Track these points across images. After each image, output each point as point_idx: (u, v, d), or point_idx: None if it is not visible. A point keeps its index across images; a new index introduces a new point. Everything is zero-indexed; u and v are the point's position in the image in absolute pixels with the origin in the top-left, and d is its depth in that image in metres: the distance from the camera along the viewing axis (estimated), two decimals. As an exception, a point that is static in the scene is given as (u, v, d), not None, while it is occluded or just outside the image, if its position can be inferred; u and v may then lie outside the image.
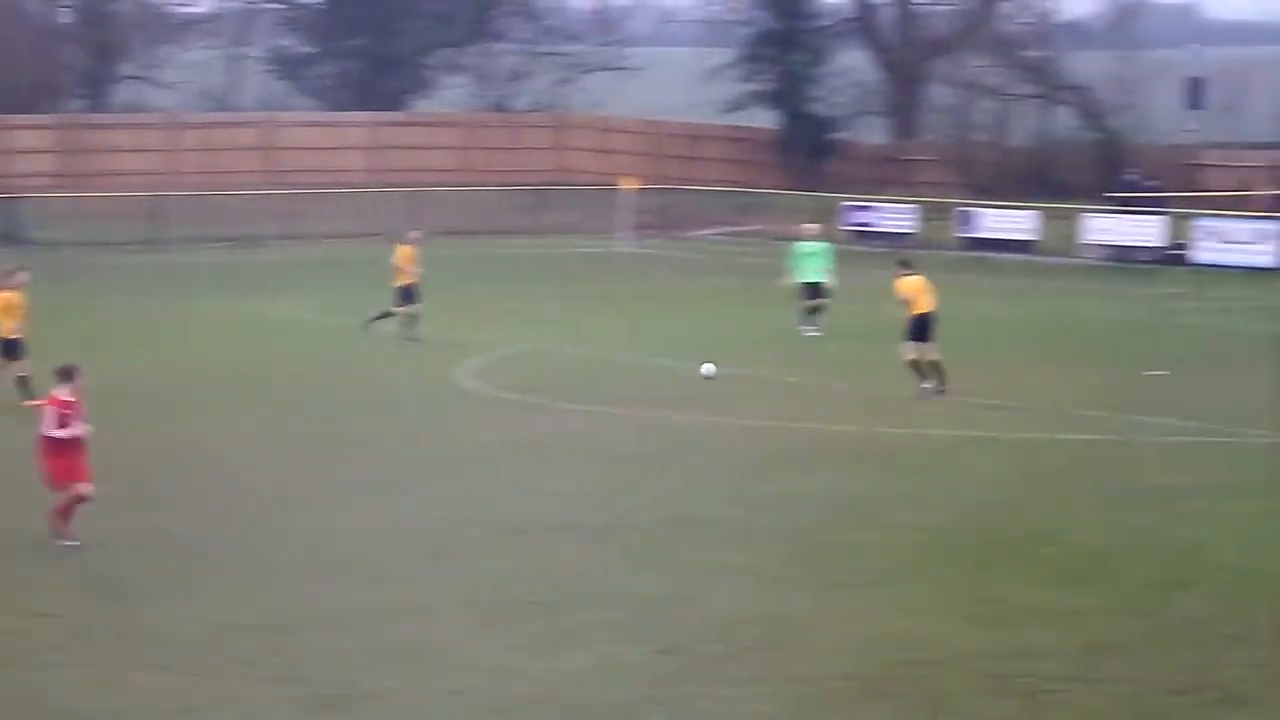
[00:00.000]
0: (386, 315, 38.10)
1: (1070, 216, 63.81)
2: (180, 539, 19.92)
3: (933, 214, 67.34)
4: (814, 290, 39.54)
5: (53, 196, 67.18)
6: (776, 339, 38.79)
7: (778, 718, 13.31)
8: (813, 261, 39.85)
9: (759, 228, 70.14)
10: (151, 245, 60.95)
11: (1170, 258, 58.05)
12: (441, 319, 39.63)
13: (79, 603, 17.08)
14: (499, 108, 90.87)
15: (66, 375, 19.30)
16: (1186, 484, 23.46)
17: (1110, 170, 71.12)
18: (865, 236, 65.76)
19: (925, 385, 29.93)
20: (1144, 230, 60.23)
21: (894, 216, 67.20)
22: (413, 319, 38.00)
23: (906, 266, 31.48)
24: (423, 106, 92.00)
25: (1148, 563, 18.87)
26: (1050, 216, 63.99)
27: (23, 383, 27.38)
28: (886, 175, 79.46)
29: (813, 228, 43.01)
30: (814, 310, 39.34)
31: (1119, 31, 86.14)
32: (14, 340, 28.09)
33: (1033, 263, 58.23)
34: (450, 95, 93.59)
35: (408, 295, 38.02)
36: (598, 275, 38.80)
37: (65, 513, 18.90)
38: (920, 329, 30.15)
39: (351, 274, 51.80)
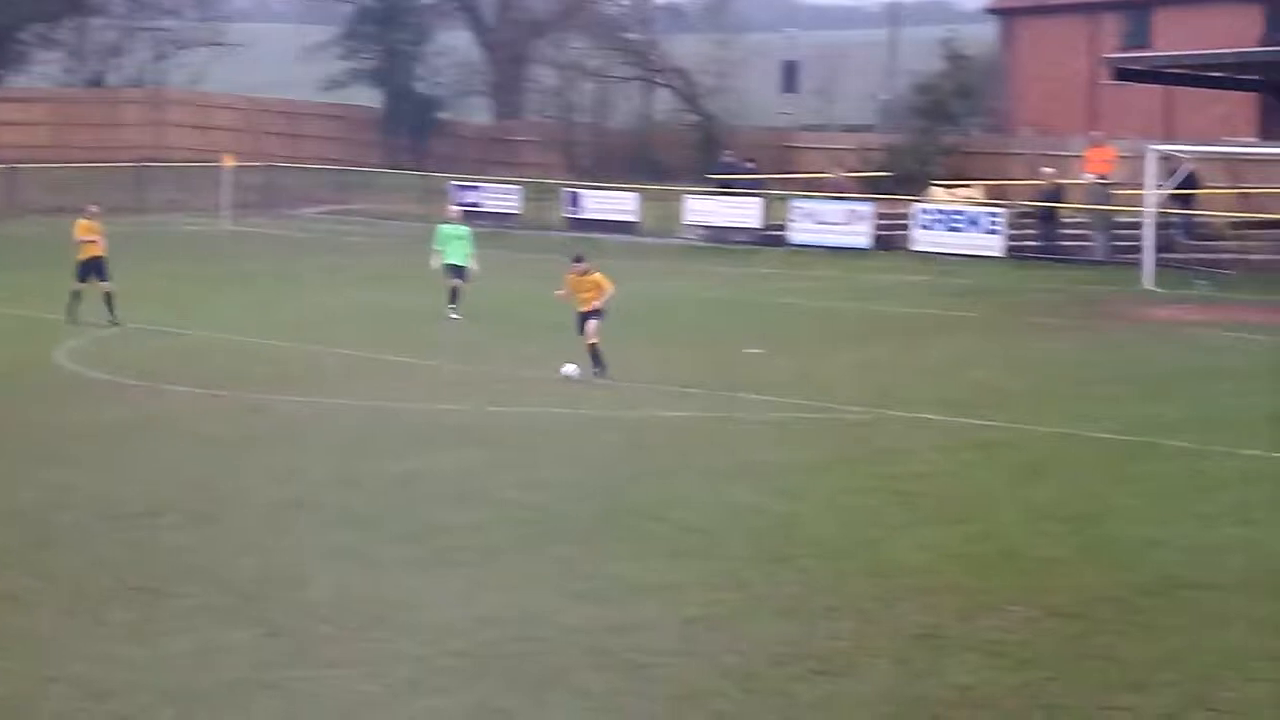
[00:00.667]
0: (76, 296, 36.67)
1: (671, 198, 65.24)
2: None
3: (537, 194, 68.06)
4: (457, 272, 39.52)
5: None
6: (384, 318, 38.69)
7: (383, 697, 13.24)
8: (457, 244, 39.94)
9: (363, 206, 69.81)
10: None
11: (768, 239, 59.93)
12: (36, 299, 38.28)
13: None
14: (95, 83, 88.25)
15: None
16: (785, 460, 24.13)
17: (709, 152, 72.90)
18: (473, 216, 65.95)
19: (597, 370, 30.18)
20: (742, 212, 61.94)
21: (500, 196, 67.65)
22: (107, 297, 36.59)
23: (580, 261, 31.27)
24: (15, 82, 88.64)
25: (748, 537, 19.30)
26: (651, 198, 65.31)
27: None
28: (492, 155, 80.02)
29: (455, 210, 44.03)
30: (455, 292, 39.17)
31: (716, 15, 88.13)
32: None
33: (635, 243, 59.30)
34: (44, 70, 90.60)
35: (96, 270, 36.82)
36: (200, 254, 38.00)
37: None
38: None
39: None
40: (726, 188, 63.95)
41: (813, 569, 17.94)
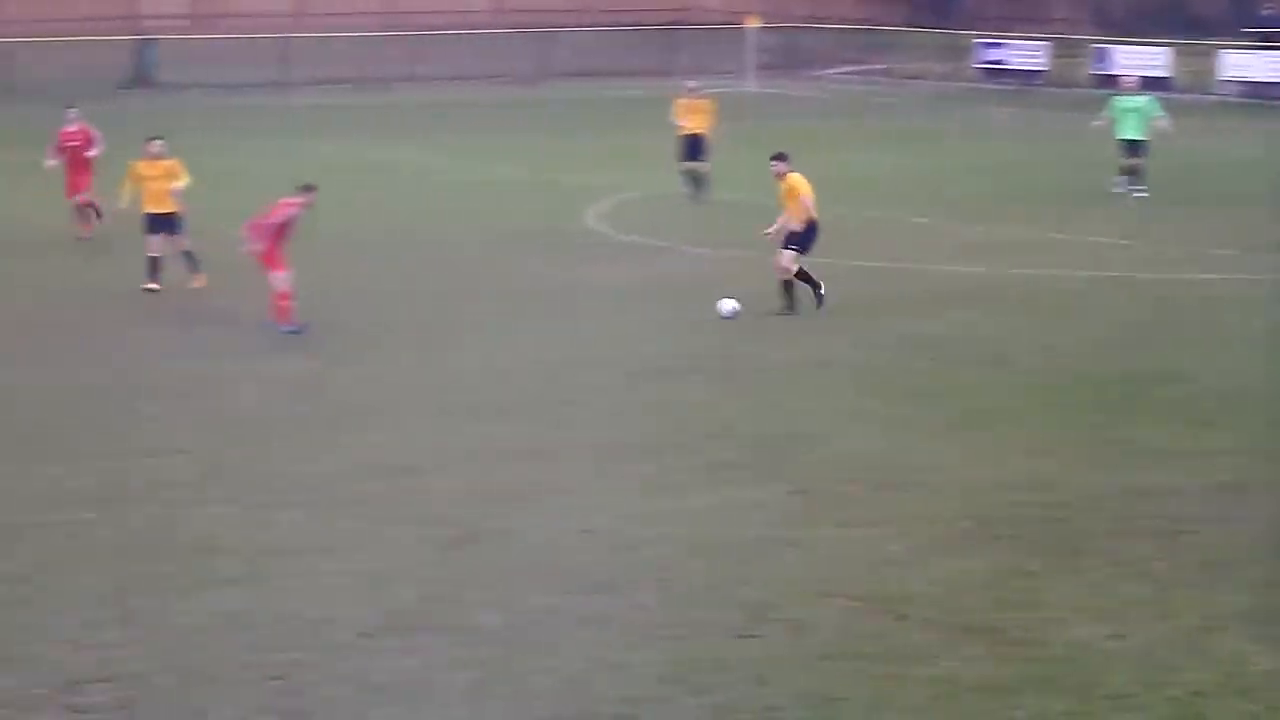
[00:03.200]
0: (694, 177, 36.00)
1: (1206, 53, 62.38)
2: (310, 381, 20.37)
3: (1065, 51, 66.09)
4: (1134, 148, 35.85)
5: (182, 38, 67.55)
6: (898, 181, 38.45)
7: (906, 557, 13.37)
8: (1132, 118, 35.93)
9: (887, 66, 69.24)
10: (278, 88, 61.28)
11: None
12: (570, 162, 39.57)
13: (213, 442, 17.38)
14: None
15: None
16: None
17: (1247, 5, 69.30)
18: (996, 75, 64.84)
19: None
20: (1281, 66, 58.79)
21: (1026, 54, 66.05)
22: (699, 176, 36.04)
23: (782, 160, 24.90)
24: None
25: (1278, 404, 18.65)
26: (1185, 53, 62.57)
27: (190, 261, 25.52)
28: (1017, 12, 77.92)
29: (1131, 80, 39.40)
30: (1132, 170, 35.77)
31: None
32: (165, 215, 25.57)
33: (1167, 100, 56.92)
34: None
35: (694, 149, 36.17)
36: (725, 116, 38.36)
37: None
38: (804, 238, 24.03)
39: (475, 118, 51.97)
40: (1267, 41, 60.72)
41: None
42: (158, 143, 26.12)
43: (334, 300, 24.23)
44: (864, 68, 70.14)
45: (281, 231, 22.12)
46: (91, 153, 30.11)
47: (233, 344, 22.11)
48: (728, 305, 23.24)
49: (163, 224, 25.45)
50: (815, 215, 23.78)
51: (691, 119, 36.36)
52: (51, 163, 30.53)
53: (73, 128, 30.51)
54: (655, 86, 53.36)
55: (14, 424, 18.00)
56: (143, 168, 25.76)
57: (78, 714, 10.24)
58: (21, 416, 18.35)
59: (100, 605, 12.19)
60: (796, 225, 23.72)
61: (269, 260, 22.09)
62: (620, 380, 20.35)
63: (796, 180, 24.19)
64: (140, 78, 61.56)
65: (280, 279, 21.96)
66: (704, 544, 13.72)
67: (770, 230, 24.53)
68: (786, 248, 23.77)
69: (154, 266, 25.31)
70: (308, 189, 22.45)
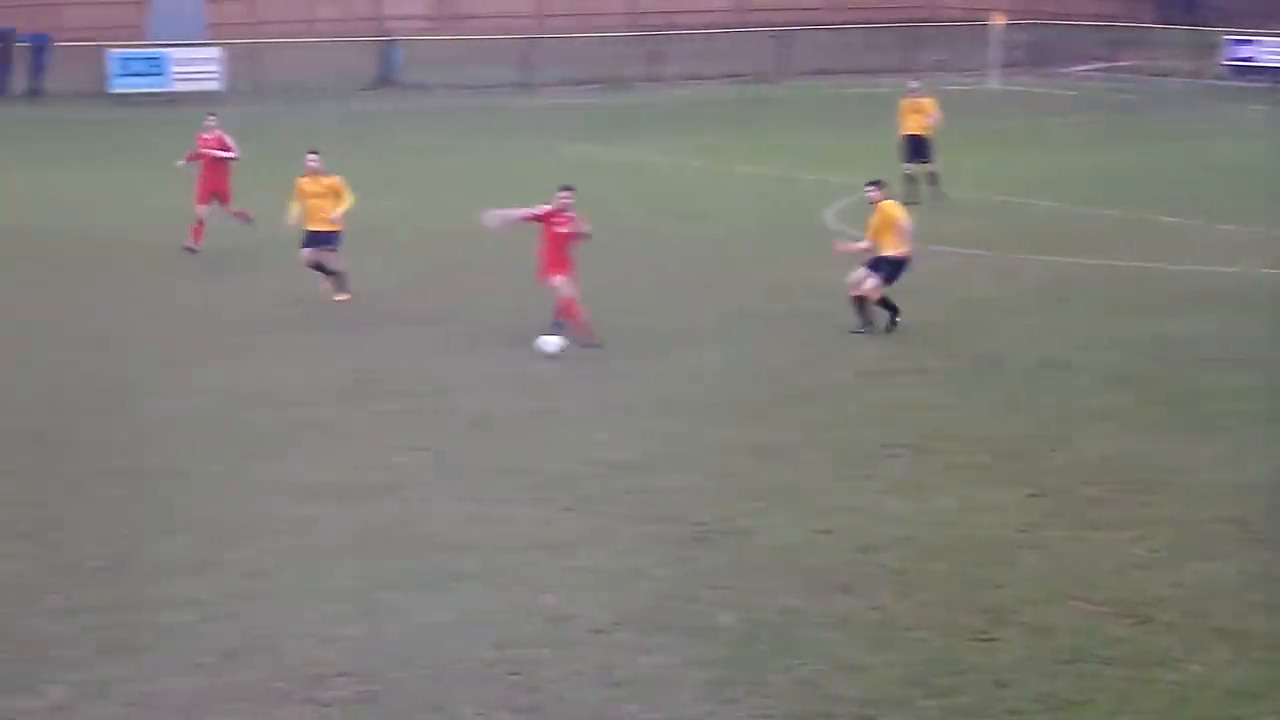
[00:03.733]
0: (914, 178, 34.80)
1: None
2: (546, 380, 20.50)
3: (1321, 48, 64.05)
4: None
5: (426, 40, 68.77)
6: (1146, 180, 37.62)
7: (1150, 560, 13.11)
8: None
9: (1134, 63, 67.77)
10: (521, 88, 62.10)
11: None
12: (809, 160, 39.48)
13: (449, 440, 17.61)
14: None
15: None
16: None
17: None
18: (1245, 72, 63.05)
19: None
20: None
21: (1277, 51, 64.04)
22: (923, 177, 35.03)
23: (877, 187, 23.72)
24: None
25: None
26: None
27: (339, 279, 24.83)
28: (1269, 8, 75.60)
29: None
30: None
31: None
32: (323, 233, 24.76)
33: None
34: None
35: (916, 150, 35.19)
36: (967, 114, 37.93)
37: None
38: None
39: (717, 117, 52.05)
40: None
41: None
42: (314, 157, 25.48)
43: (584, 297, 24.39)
44: (1110, 65, 68.60)
45: (565, 241, 21.90)
46: (225, 156, 29.70)
47: (461, 343, 22.39)
48: (551, 343, 21.13)
49: (319, 240, 24.77)
50: (909, 249, 22.73)
51: (911, 119, 35.69)
52: (181, 163, 30.59)
53: (209, 135, 30.14)
54: (896, 85, 52.99)
55: (254, 422, 18.38)
56: (305, 184, 25.18)
57: (321, 708, 10.45)
58: (259, 415, 18.70)
59: (341, 600, 12.42)
60: (891, 253, 22.60)
61: (553, 268, 21.81)
62: (852, 380, 20.25)
63: (892, 208, 23.33)
64: (384, 79, 62.80)
65: (562, 286, 21.73)
66: (944, 546, 13.59)
67: (852, 247, 23.89)
68: (872, 273, 22.57)
69: (327, 276, 24.88)
70: (567, 189, 22.20)
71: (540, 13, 74.78)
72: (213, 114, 31.74)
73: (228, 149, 29.90)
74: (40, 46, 58.00)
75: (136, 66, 59.07)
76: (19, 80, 58.35)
